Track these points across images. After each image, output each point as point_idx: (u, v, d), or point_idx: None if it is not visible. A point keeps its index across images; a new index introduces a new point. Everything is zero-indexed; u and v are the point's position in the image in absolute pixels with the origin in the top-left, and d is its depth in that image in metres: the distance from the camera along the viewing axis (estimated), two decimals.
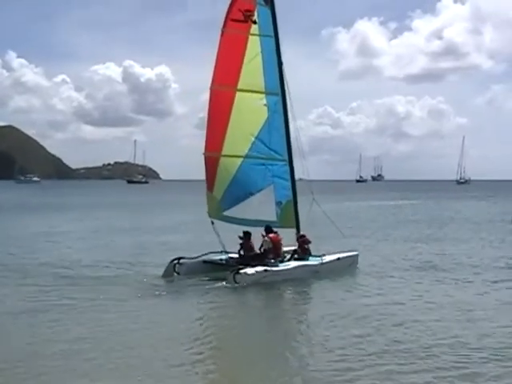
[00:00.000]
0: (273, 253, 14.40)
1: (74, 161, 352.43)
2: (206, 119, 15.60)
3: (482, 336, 9.37)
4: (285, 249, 15.34)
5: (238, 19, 14.87)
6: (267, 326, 10.90)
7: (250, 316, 11.58)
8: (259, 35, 15.11)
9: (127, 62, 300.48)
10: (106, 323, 10.19)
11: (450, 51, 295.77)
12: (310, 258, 15.25)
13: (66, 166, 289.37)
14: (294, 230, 15.93)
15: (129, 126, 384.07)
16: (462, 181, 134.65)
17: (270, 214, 15.76)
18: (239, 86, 15.33)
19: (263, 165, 15.83)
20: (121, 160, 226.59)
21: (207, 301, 12.14)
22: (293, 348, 9.11)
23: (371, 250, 19.84)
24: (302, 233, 15.71)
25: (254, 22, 14.94)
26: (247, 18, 14.87)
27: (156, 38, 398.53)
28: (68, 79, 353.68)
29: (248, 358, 8.68)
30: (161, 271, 14.43)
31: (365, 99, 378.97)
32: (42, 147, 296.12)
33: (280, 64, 15.39)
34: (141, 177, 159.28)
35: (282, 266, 14.35)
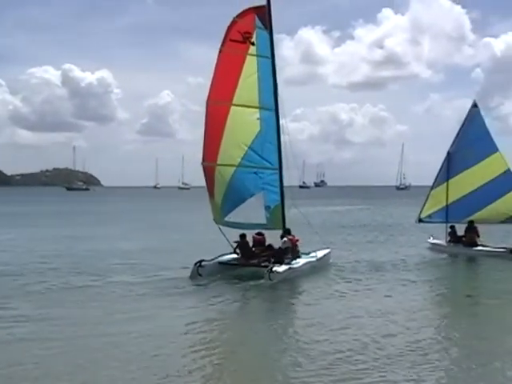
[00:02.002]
0: (291, 252, 16.20)
1: (9, 167, 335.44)
2: (203, 132, 16.91)
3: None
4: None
5: (236, 40, 16.32)
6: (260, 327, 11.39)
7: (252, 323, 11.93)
8: (256, 55, 16.59)
9: (66, 66, 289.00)
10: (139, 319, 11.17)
11: (391, 60, 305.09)
12: (303, 255, 17.03)
13: (1, 173, 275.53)
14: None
15: (69, 131, 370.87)
16: (402, 187, 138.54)
17: (260, 218, 17.29)
18: (234, 101, 16.76)
19: (255, 173, 17.31)
20: (60, 166, 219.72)
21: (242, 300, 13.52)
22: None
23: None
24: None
25: (252, 44, 16.40)
26: (246, 40, 16.32)
27: (97, 42, 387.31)
28: (2, 82, 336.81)
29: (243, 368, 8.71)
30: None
31: (309, 106, 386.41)
32: None
33: (275, 82, 16.91)
34: (81, 183, 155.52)
35: (296, 264, 16.07)
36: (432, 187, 22.32)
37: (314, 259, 17.03)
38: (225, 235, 16.47)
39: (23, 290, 14.08)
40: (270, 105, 16.95)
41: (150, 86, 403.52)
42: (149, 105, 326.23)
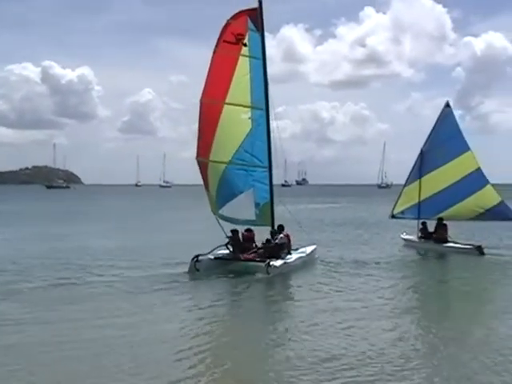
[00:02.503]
0: (286, 248, 16.93)
1: None
2: (197, 129, 17.40)
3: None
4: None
5: (230, 41, 16.84)
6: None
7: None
8: (249, 56, 17.12)
9: (46, 63, 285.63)
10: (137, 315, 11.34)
11: (373, 59, 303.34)
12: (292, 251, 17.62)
13: None
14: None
15: (49, 129, 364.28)
16: (383, 185, 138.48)
17: (250, 214, 17.86)
18: (227, 100, 17.25)
19: (245, 170, 17.85)
20: (40, 164, 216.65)
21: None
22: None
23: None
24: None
25: (245, 45, 16.94)
26: (238, 41, 16.86)
27: (78, 39, 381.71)
28: None
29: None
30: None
31: (290, 104, 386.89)
32: None
33: (266, 83, 17.46)
34: (61, 181, 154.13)
35: (290, 259, 16.75)
36: (405, 184, 23.01)
37: (304, 255, 17.73)
38: (221, 226, 17.06)
39: (5, 288, 13.63)
40: (261, 104, 17.48)
41: (131, 84, 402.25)
42: (130, 102, 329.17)
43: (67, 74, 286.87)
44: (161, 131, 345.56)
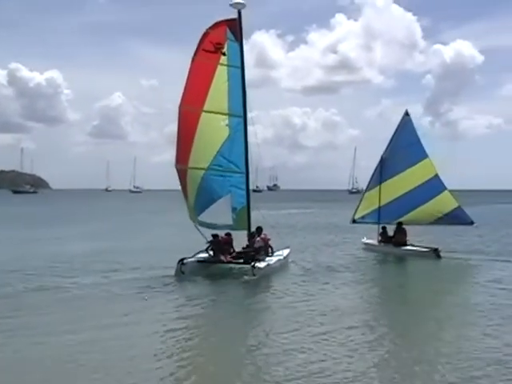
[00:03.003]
0: (263, 250, 17.54)
1: None
2: (176, 136, 17.67)
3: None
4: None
5: (208, 50, 17.24)
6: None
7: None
8: (227, 65, 17.57)
9: (13, 65, 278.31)
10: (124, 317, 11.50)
11: (344, 65, 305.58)
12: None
13: None
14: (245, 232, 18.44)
15: (16, 133, 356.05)
16: (354, 190, 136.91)
17: (227, 219, 18.26)
18: (205, 108, 17.61)
19: (222, 176, 18.24)
20: (6, 168, 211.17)
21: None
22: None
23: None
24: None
25: (224, 54, 17.37)
26: (217, 50, 17.29)
27: (46, 40, 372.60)
28: None
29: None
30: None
31: (262, 110, 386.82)
32: None
33: (244, 91, 17.92)
34: (28, 187, 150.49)
35: (271, 261, 17.33)
36: (366, 190, 23.82)
37: (282, 257, 18.39)
38: (201, 233, 17.53)
39: None
40: (239, 112, 17.92)
41: (101, 88, 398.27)
42: (100, 106, 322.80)
43: (35, 77, 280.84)
44: (131, 136, 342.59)
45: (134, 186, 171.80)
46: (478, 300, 13.57)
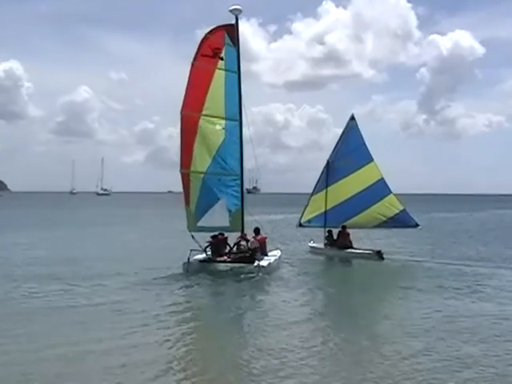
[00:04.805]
0: (259, 250, 17.99)
1: None
2: (179, 141, 18.12)
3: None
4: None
5: (207, 54, 17.73)
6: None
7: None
8: (225, 70, 18.02)
9: None
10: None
11: (331, 58, 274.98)
12: None
13: None
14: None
15: None
16: None
17: (224, 221, 18.67)
18: (203, 112, 18.10)
19: (219, 179, 18.63)
20: None
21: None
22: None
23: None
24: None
25: (221, 59, 17.83)
26: (215, 55, 17.74)
27: (5, 30, 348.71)
28: None
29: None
30: None
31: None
32: None
33: (240, 95, 18.39)
34: None
35: (270, 261, 17.94)
36: (312, 193, 23.81)
37: (277, 257, 18.99)
38: (197, 241, 17.79)
39: None
40: (235, 116, 18.37)
41: (65, 81, 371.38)
42: (64, 101, 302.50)
43: None
44: (99, 133, 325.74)
45: (102, 188, 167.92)
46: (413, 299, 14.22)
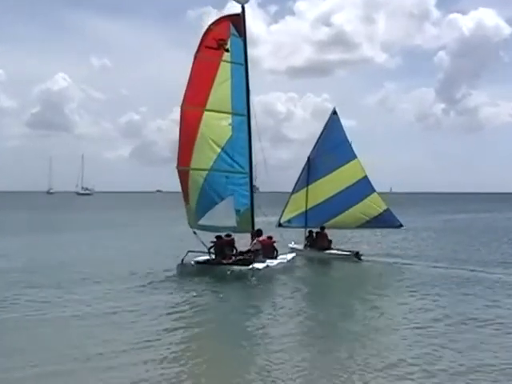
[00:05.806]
0: (262, 252, 17.22)
1: None
2: (178, 136, 17.23)
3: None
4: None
5: (211, 46, 16.85)
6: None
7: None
8: (230, 62, 17.12)
9: None
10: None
11: (339, 41, 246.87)
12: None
13: None
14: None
15: None
16: None
17: (231, 221, 17.82)
18: (207, 107, 17.25)
19: (226, 177, 17.81)
20: None
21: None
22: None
23: None
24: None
25: (227, 50, 16.95)
26: (220, 46, 16.84)
27: None
28: None
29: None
30: None
31: None
32: None
33: (247, 89, 17.49)
34: None
35: (271, 264, 17.04)
36: (292, 192, 22.79)
37: (285, 261, 18.00)
38: (200, 238, 17.15)
39: None
40: (242, 110, 17.49)
41: (41, 68, 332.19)
42: (40, 91, 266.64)
43: None
44: (78, 126, 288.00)
45: (83, 188, 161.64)
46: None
